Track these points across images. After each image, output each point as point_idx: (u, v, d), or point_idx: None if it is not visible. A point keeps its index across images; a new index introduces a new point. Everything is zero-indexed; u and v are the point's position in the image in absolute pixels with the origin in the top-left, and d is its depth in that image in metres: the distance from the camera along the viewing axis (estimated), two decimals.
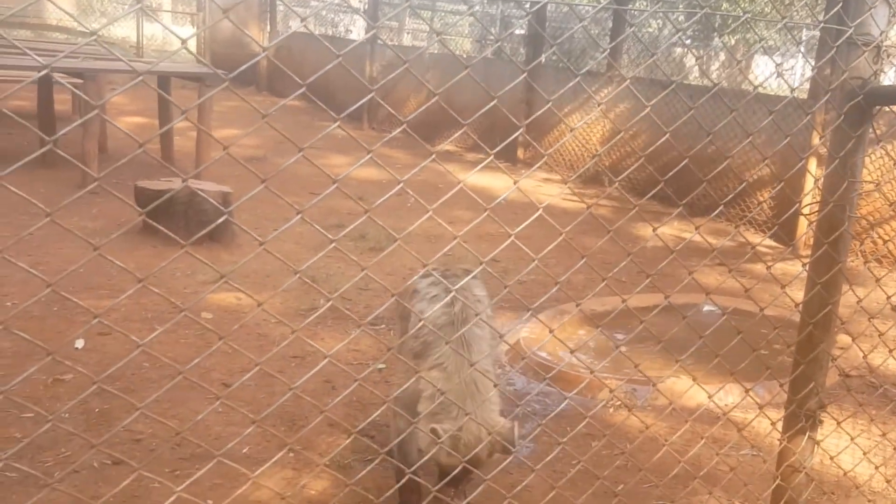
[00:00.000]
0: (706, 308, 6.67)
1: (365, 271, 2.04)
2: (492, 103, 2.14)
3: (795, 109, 8.69)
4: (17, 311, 5.44)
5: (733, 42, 14.96)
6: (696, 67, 13.95)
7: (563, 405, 4.89)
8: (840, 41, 2.78)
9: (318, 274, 6.83)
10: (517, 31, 15.01)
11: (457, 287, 2.57)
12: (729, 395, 4.99)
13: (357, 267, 2.05)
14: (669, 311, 3.22)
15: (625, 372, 5.37)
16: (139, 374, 4.94)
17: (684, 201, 2.87)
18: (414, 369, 3.42)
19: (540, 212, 2.33)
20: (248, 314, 5.95)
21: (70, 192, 8.26)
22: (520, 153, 13.06)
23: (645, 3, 14.31)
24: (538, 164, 2.88)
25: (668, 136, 2.59)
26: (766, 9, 13.30)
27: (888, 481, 4.08)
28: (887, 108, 3.22)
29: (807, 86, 10.19)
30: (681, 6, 12.47)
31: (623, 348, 5.88)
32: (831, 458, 3.55)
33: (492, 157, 2.22)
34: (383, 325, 6.00)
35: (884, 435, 4.24)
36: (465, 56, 15.58)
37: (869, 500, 4.13)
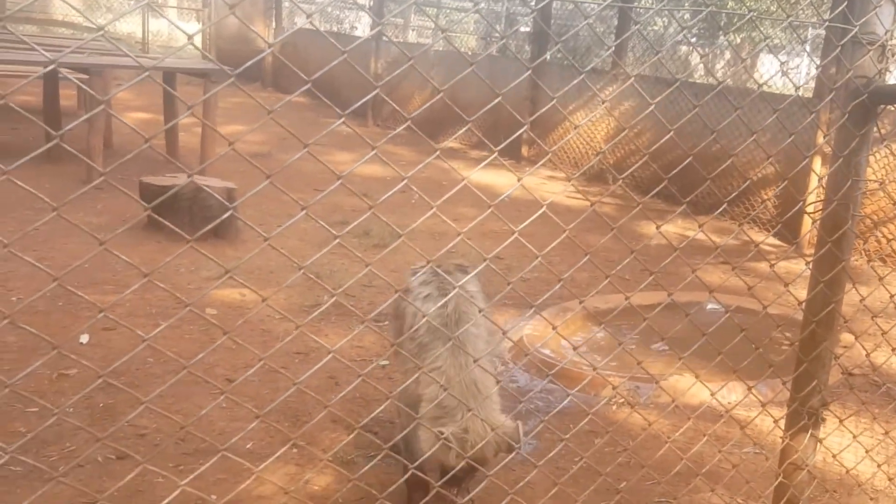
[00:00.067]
0: (710, 306, 6.67)
1: (369, 267, 2.05)
2: (496, 100, 2.15)
3: (800, 108, 8.68)
4: (22, 305, 5.46)
5: (739, 40, 14.95)
6: (702, 66, 13.94)
7: (565, 402, 4.90)
8: (845, 40, 2.78)
9: (322, 270, 6.84)
10: (522, 29, 15.01)
11: (453, 287, 2.57)
12: (732, 393, 5.00)
13: (361, 264, 2.06)
14: (673, 309, 3.22)
15: (628, 369, 5.38)
16: (144, 369, 4.95)
17: (687, 199, 2.87)
18: (413, 369, 3.43)
19: (543, 209, 2.33)
20: (252, 310, 5.96)
21: (75, 187, 8.28)
22: (524, 150, 13.06)
23: (651, 1, 14.30)
24: (542, 162, 2.89)
25: (672, 133, 2.59)
26: (771, 7, 13.29)
27: (890, 479, 4.08)
28: (892, 107, 3.23)
29: (813, 84, 10.18)
30: (686, 4, 12.44)
31: (627, 345, 5.88)
32: (833, 457, 3.55)
33: (496, 153, 2.23)
34: (386, 322, 6.01)
35: (886, 433, 4.24)
36: (469, 53, 15.58)
37: (871, 499, 4.13)
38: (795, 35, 11.50)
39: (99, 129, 9.11)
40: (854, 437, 3.68)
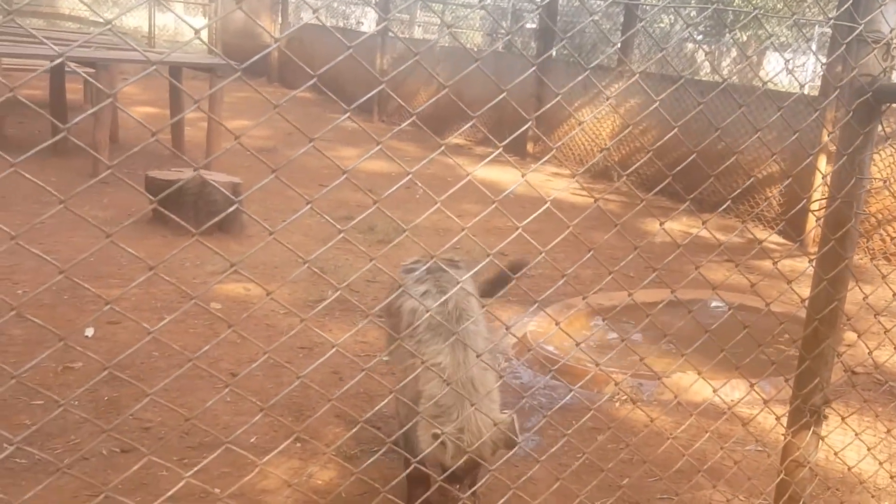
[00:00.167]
0: (713, 304, 6.68)
1: (373, 262, 2.06)
2: (501, 96, 2.16)
3: (806, 106, 8.67)
4: (28, 298, 5.48)
5: (745, 38, 14.92)
6: (708, 63, 13.93)
7: (567, 398, 4.91)
8: (849, 38, 2.79)
9: (327, 265, 6.85)
10: (528, 25, 14.99)
11: (450, 284, 2.57)
12: (735, 391, 5.00)
13: (365, 259, 2.07)
14: (678, 306, 3.23)
15: (632, 366, 5.38)
16: (148, 363, 4.97)
17: (691, 196, 2.88)
18: (412, 366, 3.43)
19: (547, 205, 2.34)
20: (257, 304, 5.98)
21: (81, 181, 8.30)
22: (529, 147, 13.06)
23: None
24: (546, 158, 2.90)
25: (676, 130, 2.60)
26: (777, 5, 13.26)
27: (892, 477, 4.08)
28: None
29: (819, 83, 10.17)
30: (693, 1, 12.44)
31: (628, 343, 5.88)
32: (836, 454, 3.56)
33: (500, 149, 2.24)
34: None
35: (888, 431, 4.24)
36: (475, 50, 15.57)
37: (873, 496, 4.14)
38: (801, 33, 11.48)
39: (105, 124, 9.13)
40: (856, 434, 3.68)
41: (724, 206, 3.33)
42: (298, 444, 4.25)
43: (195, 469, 2.07)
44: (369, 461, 4.01)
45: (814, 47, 13.04)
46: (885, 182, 7.99)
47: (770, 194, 9.82)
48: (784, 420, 3.20)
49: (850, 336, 5.40)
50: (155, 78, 13.30)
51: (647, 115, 10.72)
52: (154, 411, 4.41)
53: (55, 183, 8.09)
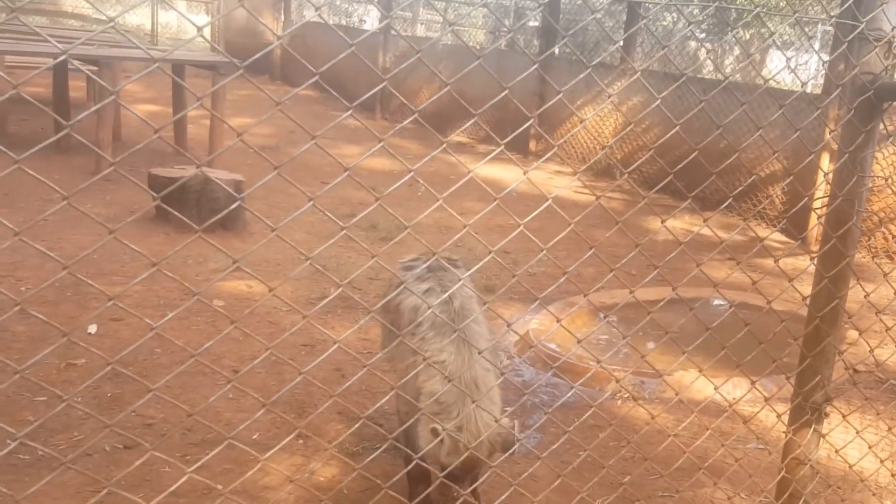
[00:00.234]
0: (715, 302, 6.68)
1: (375, 258, 2.06)
2: (503, 94, 2.16)
3: (809, 105, 8.66)
4: (31, 294, 5.49)
5: (748, 36, 14.92)
6: (711, 61, 13.91)
7: (568, 395, 4.91)
8: (851, 36, 2.79)
9: (329, 263, 6.86)
10: (531, 23, 14.99)
11: (452, 283, 2.57)
12: (738, 389, 5.00)
13: (368, 257, 2.07)
14: (680, 305, 3.23)
15: (636, 364, 5.39)
16: (151, 359, 4.98)
17: (692, 194, 2.88)
18: (413, 364, 3.43)
19: (549, 202, 2.34)
20: (260, 301, 5.99)
21: (84, 179, 8.31)
22: (532, 145, 13.07)
23: None
24: (547, 156, 2.90)
25: (678, 128, 2.60)
26: (780, 3, 13.26)
27: (893, 475, 4.09)
28: None
29: (822, 81, 10.16)
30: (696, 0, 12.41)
31: (631, 340, 5.89)
32: (836, 452, 3.56)
33: (502, 146, 2.24)
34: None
35: (890, 429, 4.25)
36: (478, 47, 15.56)
37: (874, 494, 4.14)
38: (803, 31, 11.47)
39: (108, 121, 9.14)
40: (857, 432, 3.69)
41: (727, 205, 3.33)
42: (301, 441, 4.26)
43: (197, 465, 2.08)
44: (370, 458, 4.02)
45: (817, 45, 13.03)
46: (886, 180, 7.98)
47: (772, 193, 9.82)
48: (785, 418, 3.21)
49: (852, 334, 5.40)
50: (157, 76, 13.33)
51: (649, 113, 10.73)
52: (157, 408, 4.42)
53: (58, 180, 8.11)
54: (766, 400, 3.20)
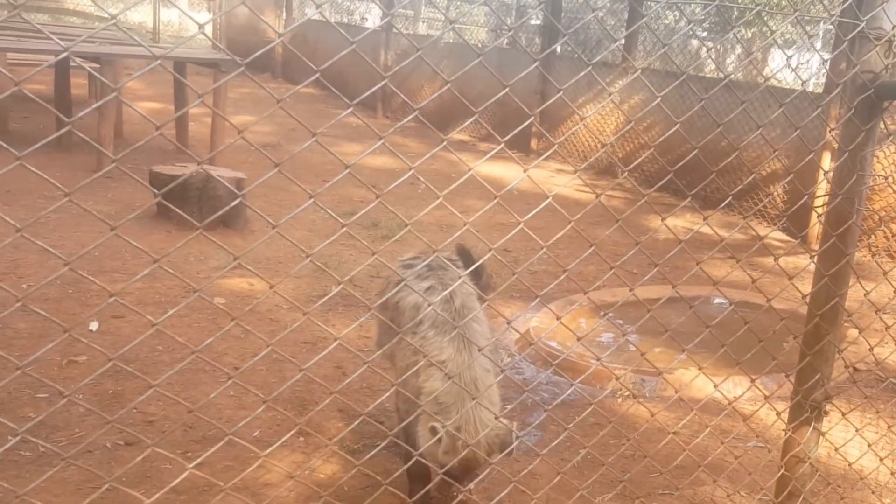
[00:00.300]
0: (716, 301, 6.68)
1: (375, 255, 2.07)
2: (503, 91, 2.17)
3: (810, 104, 8.65)
4: (33, 290, 5.50)
5: (750, 35, 14.91)
6: (712, 60, 13.90)
7: (567, 392, 4.92)
8: (852, 35, 2.79)
9: (331, 261, 6.87)
10: (532, 22, 14.98)
11: (454, 281, 2.57)
12: (738, 387, 5.01)
13: (369, 255, 2.08)
14: (681, 303, 3.24)
15: (636, 363, 5.40)
16: (152, 356, 4.99)
17: (692, 192, 2.89)
18: (414, 363, 3.43)
19: (549, 200, 2.35)
20: (260, 299, 6.00)
21: (85, 176, 8.26)
22: (533, 144, 13.06)
23: None
24: (547, 154, 2.90)
25: (678, 126, 2.61)
26: (782, 1, 13.25)
27: (893, 474, 4.10)
28: None
29: (824, 80, 10.16)
30: None
31: (631, 338, 5.90)
32: (836, 450, 3.57)
33: (502, 144, 2.25)
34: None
35: (889, 427, 4.25)
36: (479, 45, 15.56)
37: (873, 492, 4.15)
38: (803, 30, 11.46)
39: (110, 119, 9.15)
40: (857, 430, 3.69)
41: (727, 203, 3.33)
42: (301, 438, 4.27)
43: (198, 461, 2.08)
44: (369, 455, 4.02)
45: (818, 44, 13.02)
46: (886, 179, 7.98)
47: (773, 191, 9.81)
48: (785, 416, 3.21)
49: (852, 333, 5.40)
50: (159, 74, 13.34)
51: (650, 111, 10.73)
52: (158, 405, 4.43)
53: (59, 177, 8.12)
54: (766, 398, 3.21)
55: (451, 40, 14.56)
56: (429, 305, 3.43)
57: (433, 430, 3.15)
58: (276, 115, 12.01)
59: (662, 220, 2.54)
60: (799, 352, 3.10)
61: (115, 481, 1.97)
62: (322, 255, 6.89)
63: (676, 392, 3.77)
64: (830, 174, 3.01)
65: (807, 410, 3.09)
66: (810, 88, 12.19)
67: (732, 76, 12.14)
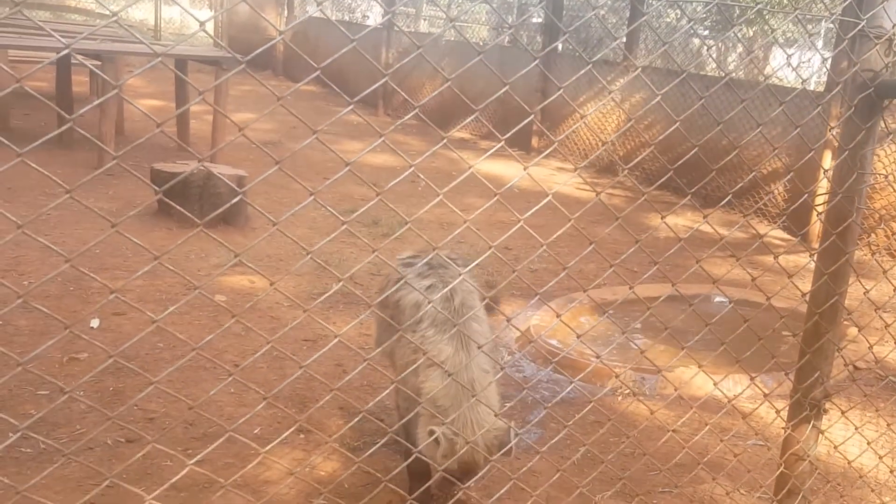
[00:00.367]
0: (717, 299, 6.69)
1: (375, 253, 2.08)
2: (503, 89, 2.17)
3: (811, 102, 8.65)
4: (34, 287, 5.51)
5: (751, 33, 14.90)
6: (714, 59, 13.90)
7: (567, 390, 4.93)
8: (852, 34, 2.80)
9: (332, 259, 6.87)
10: (534, 20, 14.98)
11: (446, 277, 2.57)
12: (738, 385, 5.02)
13: (370, 253, 2.08)
14: (682, 302, 3.24)
15: (636, 361, 5.40)
16: (153, 354, 5.00)
17: (692, 190, 2.89)
18: (413, 362, 3.42)
19: (549, 198, 2.36)
20: (261, 296, 6.01)
21: (86, 173, 8.32)
22: (534, 142, 13.06)
23: None
24: (548, 151, 2.91)
25: (678, 124, 2.61)
26: (783, 0, 13.24)
27: (892, 472, 4.10)
28: None
29: (826, 79, 10.15)
30: None
31: (628, 335, 5.91)
32: (836, 448, 3.57)
33: (502, 142, 2.25)
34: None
35: (889, 426, 4.26)
36: (481, 44, 15.56)
37: (873, 491, 4.15)
38: (803, 28, 11.46)
39: (111, 116, 9.15)
40: (856, 428, 3.70)
41: (727, 202, 3.34)
42: (302, 436, 4.28)
43: (198, 458, 2.09)
44: (369, 452, 4.03)
45: (820, 43, 13.01)
46: (887, 177, 7.98)
47: (773, 190, 9.81)
48: (784, 414, 3.22)
49: (852, 331, 5.41)
50: (160, 71, 13.33)
51: (652, 110, 10.73)
52: (158, 402, 4.44)
53: (60, 175, 8.08)
54: (766, 396, 3.21)
55: (452, 38, 14.55)
56: (428, 303, 3.43)
57: (431, 434, 3.16)
58: (277, 113, 12.01)
59: (662, 218, 2.54)
60: (798, 350, 3.11)
61: (116, 478, 1.98)
62: (323, 253, 6.90)
63: (676, 390, 3.78)
64: (830, 172, 3.02)
65: (806, 408, 3.09)
66: (812, 87, 12.19)
67: (734, 75, 12.14)
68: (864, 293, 3.24)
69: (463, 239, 7.63)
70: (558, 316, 2.44)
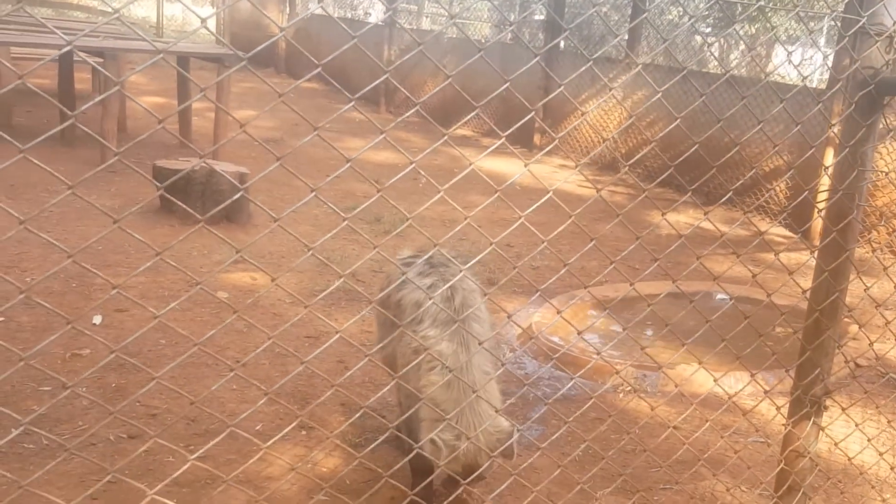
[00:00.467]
0: (718, 296, 6.69)
1: (376, 250, 2.08)
2: (504, 86, 2.18)
3: (814, 100, 8.65)
4: (36, 283, 5.51)
5: (754, 31, 14.89)
6: (713, 56, 13.89)
7: (567, 387, 4.94)
8: (852, 31, 2.80)
9: (334, 256, 6.88)
10: (536, 17, 14.97)
11: (448, 275, 2.57)
12: (739, 383, 5.02)
13: (371, 250, 2.09)
14: (684, 298, 3.25)
15: (638, 358, 5.41)
16: (156, 350, 5.01)
17: (693, 187, 2.90)
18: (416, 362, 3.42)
19: (549, 195, 2.36)
20: (263, 293, 6.02)
21: (89, 170, 8.26)
22: (536, 139, 13.06)
23: None
24: (548, 148, 2.92)
25: (678, 122, 2.62)
26: None
27: (893, 468, 4.11)
28: None
29: (827, 76, 10.15)
30: None
31: (633, 332, 5.91)
32: (836, 445, 3.58)
33: (503, 139, 2.26)
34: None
35: (889, 423, 4.26)
36: (482, 41, 15.56)
37: (873, 487, 4.16)
38: (804, 26, 11.46)
39: (113, 113, 9.16)
40: (856, 425, 3.70)
41: (729, 199, 3.34)
42: (304, 432, 4.29)
43: (200, 453, 2.10)
44: (370, 447, 4.05)
45: (822, 40, 13.01)
46: (888, 175, 7.98)
47: (775, 187, 9.81)
48: (784, 410, 3.23)
49: (853, 328, 5.41)
50: (163, 68, 13.35)
51: (654, 107, 10.73)
52: (161, 398, 4.45)
53: (63, 172, 8.08)
54: (766, 393, 3.22)
55: (454, 35, 14.56)
56: (429, 300, 3.43)
57: (433, 443, 3.16)
58: (279, 110, 12.01)
59: (663, 215, 2.55)
60: (799, 347, 3.12)
61: (118, 473, 1.99)
62: (324, 250, 6.91)
63: (677, 387, 3.78)
64: (831, 170, 3.02)
65: (807, 405, 3.10)
66: (814, 84, 12.18)
67: (735, 72, 12.13)
68: (865, 290, 3.24)
69: (464, 236, 7.64)
70: (559, 313, 2.45)
